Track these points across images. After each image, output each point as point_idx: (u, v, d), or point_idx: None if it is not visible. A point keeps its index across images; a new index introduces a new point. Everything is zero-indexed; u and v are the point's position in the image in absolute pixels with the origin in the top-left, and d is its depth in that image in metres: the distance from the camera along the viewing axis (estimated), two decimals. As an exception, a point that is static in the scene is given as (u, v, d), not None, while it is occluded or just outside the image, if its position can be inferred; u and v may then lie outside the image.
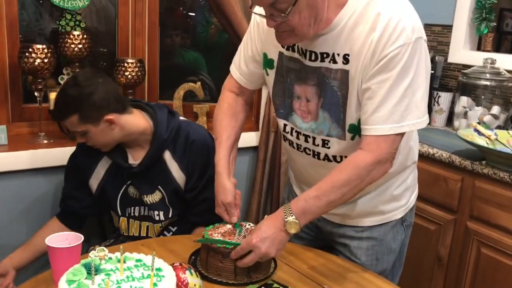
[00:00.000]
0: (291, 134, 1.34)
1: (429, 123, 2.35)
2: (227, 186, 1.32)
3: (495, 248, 1.76)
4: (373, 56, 1.11)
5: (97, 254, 1.08)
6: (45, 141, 1.88)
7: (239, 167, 1.93)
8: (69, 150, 1.81)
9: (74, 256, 1.14)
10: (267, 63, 1.33)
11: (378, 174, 1.18)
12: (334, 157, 1.28)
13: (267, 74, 1.35)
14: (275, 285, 1.21)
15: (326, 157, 1.29)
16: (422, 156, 1.95)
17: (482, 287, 1.82)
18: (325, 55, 1.18)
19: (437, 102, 2.35)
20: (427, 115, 1.19)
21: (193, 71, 2.47)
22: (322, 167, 1.31)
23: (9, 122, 1.93)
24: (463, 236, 1.87)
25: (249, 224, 1.32)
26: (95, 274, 1.00)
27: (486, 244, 1.80)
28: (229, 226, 1.31)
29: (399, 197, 1.40)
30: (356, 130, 1.22)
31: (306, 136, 1.30)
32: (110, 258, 1.08)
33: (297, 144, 1.35)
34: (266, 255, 1.16)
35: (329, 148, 1.27)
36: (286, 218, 1.15)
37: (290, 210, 1.16)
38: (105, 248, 1.10)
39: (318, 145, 1.29)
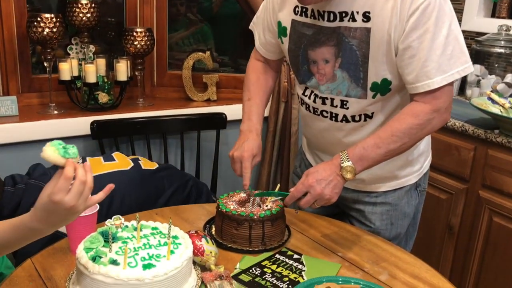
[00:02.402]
0: (309, 98, 1.33)
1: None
2: (255, 144, 1.33)
3: (507, 216, 1.76)
4: (402, 12, 1.10)
5: (113, 222, 1.09)
6: (56, 112, 1.88)
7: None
8: (80, 121, 1.81)
9: (90, 224, 1.15)
10: (281, 31, 1.32)
11: (438, 123, 1.18)
12: (353, 117, 1.28)
13: (282, 43, 1.34)
14: (289, 252, 1.22)
15: (344, 118, 1.29)
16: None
17: (493, 256, 1.83)
18: (343, 14, 1.17)
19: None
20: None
21: (202, 41, 2.43)
22: (339, 129, 1.31)
23: (19, 93, 1.93)
24: (474, 205, 1.87)
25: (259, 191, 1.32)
26: (112, 242, 1.01)
27: (498, 213, 1.79)
28: (243, 194, 1.31)
29: (413, 162, 1.39)
30: (379, 88, 1.21)
31: (324, 99, 1.29)
32: (126, 226, 1.08)
33: (314, 108, 1.34)
34: (321, 196, 1.14)
35: (347, 108, 1.27)
36: (343, 163, 1.15)
37: (347, 156, 1.16)
38: (121, 217, 1.11)
39: (336, 106, 1.28)
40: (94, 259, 0.94)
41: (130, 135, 1.89)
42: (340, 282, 1.05)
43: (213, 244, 1.11)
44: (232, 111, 2.04)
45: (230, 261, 1.17)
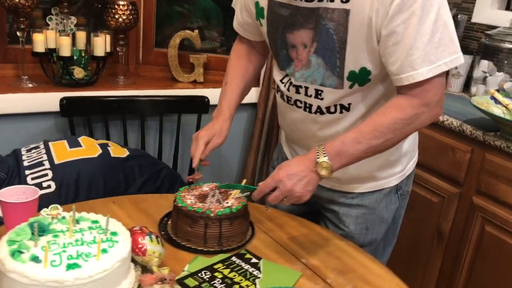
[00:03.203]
0: (285, 85, 1.22)
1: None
2: (216, 126, 1.28)
3: (501, 226, 1.63)
4: None
5: (49, 212, 0.99)
6: (29, 85, 1.78)
7: (236, 124, 1.82)
8: (51, 96, 1.71)
9: (28, 212, 1.05)
10: (259, 12, 1.20)
11: (428, 118, 1.06)
12: (328, 108, 1.16)
13: (261, 25, 1.23)
14: (247, 255, 1.11)
15: (319, 110, 1.18)
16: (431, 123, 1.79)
17: (483, 266, 1.70)
18: None
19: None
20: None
21: (192, 18, 2.31)
22: (313, 122, 1.20)
23: (-7, 63, 1.83)
24: (467, 211, 1.74)
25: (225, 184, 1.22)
26: (41, 235, 0.91)
27: (491, 222, 1.66)
28: (206, 188, 1.21)
29: (395, 163, 1.27)
30: (356, 78, 1.09)
31: (298, 87, 1.18)
32: (64, 218, 0.98)
33: (288, 97, 1.23)
34: (291, 193, 1.04)
35: (322, 99, 1.15)
36: (319, 158, 1.04)
37: (323, 151, 1.05)
38: (59, 206, 1.01)
39: (310, 96, 1.17)
40: (13, 254, 0.85)
41: (105, 114, 1.78)
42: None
43: (158, 243, 1.00)
44: (217, 95, 1.92)
45: (180, 262, 1.07)
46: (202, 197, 1.17)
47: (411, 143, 1.31)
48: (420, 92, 1.03)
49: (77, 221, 0.98)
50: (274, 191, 1.06)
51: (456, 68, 2.15)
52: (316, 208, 1.40)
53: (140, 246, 0.97)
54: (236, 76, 1.37)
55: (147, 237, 0.99)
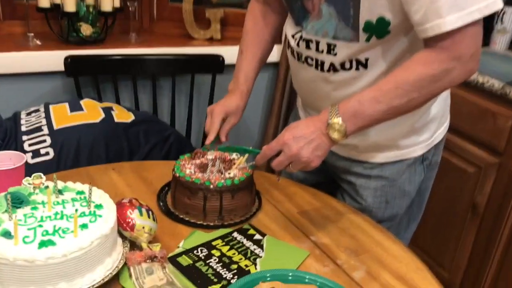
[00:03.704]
0: (295, 40, 1.08)
1: (487, 45, 1.96)
2: (232, 103, 1.15)
3: (543, 201, 1.47)
4: None
5: (32, 181, 0.91)
6: (37, 43, 1.69)
7: (255, 86, 1.69)
8: (57, 55, 1.62)
9: (13, 180, 0.97)
10: None
11: (460, 75, 0.90)
12: (342, 64, 1.02)
13: None
14: (251, 230, 1.01)
15: (332, 67, 1.04)
16: (468, 85, 1.61)
17: (520, 244, 1.55)
18: None
19: (500, 20, 1.93)
20: None
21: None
22: (326, 81, 1.07)
23: (1, 20, 1.75)
24: (506, 184, 1.57)
25: (236, 155, 1.10)
26: (18, 207, 0.83)
27: (532, 196, 1.50)
28: (210, 156, 1.10)
29: (421, 130, 1.13)
30: (373, 29, 0.94)
31: (308, 41, 1.04)
32: (47, 187, 0.90)
33: (298, 53, 1.09)
34: (297, 157, 0.92)
35: (335, 55, 1.01)
36: (331, 119, 0.92)
37: (336, 111, 0.92)
38: (42, 175, 0.92)
39: (322, 52, 1.03)
40: (-16, 228, 0.77)
41: (113, 74, 1.68)
42: (290, 278, 0.84)
43: (149, 217, 0.91)
44: (235, 53, 1.78)
45: (176, 237, 0.98)
46: (203, 167, 1.06)
47: (441, 107, 1.15)
48: (450, 44, 0.87)
49: (61, 192, 0.90)
50: (279, 155, 0.95)
51: (502, 23, 1.92)
52: (333, 178, 1.28)
53: (128, 220, 0.89)
54: (252, 43, 1.23)
55: (136, 211, 0.90)
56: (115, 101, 1.69)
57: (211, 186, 0.99)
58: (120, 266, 0.84)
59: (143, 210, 0.91)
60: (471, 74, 0.91)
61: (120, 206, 0.90)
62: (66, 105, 1.43)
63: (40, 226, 0.80)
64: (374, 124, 0.94)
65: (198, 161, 1.09)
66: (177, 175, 1.02)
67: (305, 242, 1.00)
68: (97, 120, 1.39)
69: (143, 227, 0.89)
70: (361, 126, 0.93)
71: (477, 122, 1.63)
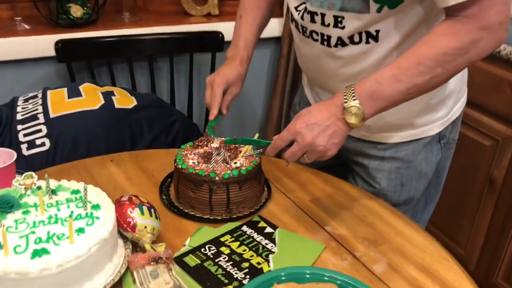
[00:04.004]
0: (299, 13, 0.99)
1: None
2: (233, 72, 1.08)
3: None
4: None
5: (23, 181, 0.84)
6: (25, 27, 1.60)
7: (257, 62, 1.60)
8: (47, 39, 1.53)
9: (3, 180, 0.90)
10: None
11: (489, 46, 0.81)
12: (351, 37, 0.94)
13: None
14: (261, 223, 0.95)
15: (340, 41, 0.95)
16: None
17: (541, 219, 1.49)
18: None
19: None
20: None
21: None
22: (333, 57, 0.98)
23: (-14, 3, 1.65)
24: (525, 157, 1.50)
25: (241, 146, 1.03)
26: (9, 212, 0.77)
27: (554, 169, 1.43)
28: (215, 145, 1.02)
29: (437, 107, 1.05)
30: None
31: (313, 14, 0.95)
32: (39, 188, 0.83)
33: (302, 27, 1.01)
34: (312, 147, 0.85)
35: (343, 28, 0.93)
36: (346, 102, 0.83)
37: (352, 93, 0.84)
38: (33, 174, 0.85)
39: (328, 26, 0.94)
40: (-30, 238, 0.71)
41: (108, 57, 1.60)
42: (307, 277, 0.77)
43: (151, 216, 0.84)
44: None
45: (182, 233, 0.91)
46: (208, 156, 0.99)
47: (458, 81, 1.07)
48: (476, 13, 0.78)
49: (54, 192, 0.83)
50: (292, 146, 0.87)
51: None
52: (344, 160, 1.21)
53: (128, 220, 0.82)
54: (252, 8, 1.16)
55: (136, 209, 0.83)
56: (112, 85, 1.61)
57: (217, 178, 0.92)
58: (122, 271, 0.77)
59: (144, 208, 0.84)
60: (500, 44, 0.82)
61: (119, 205, 0.83)
62: (65, 90, 1.34)
63: (33, 232, 0.73)
64: (394, 105, 0.86)
65: (201, 150, 1.01)
66: (180, 166, 0.95)
67: (320, 234, 0.93)
68: (96, 107, 1.30)
69: (145, 227, 0.82)
70: (380, 108, 0.85)
71: (492, 92, 1.55)
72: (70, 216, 0.76)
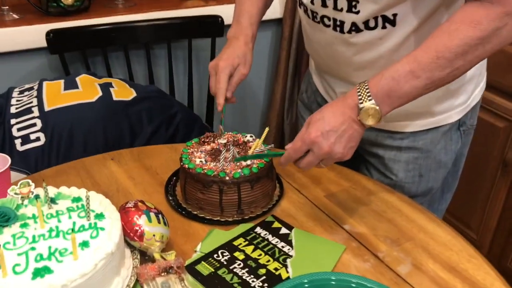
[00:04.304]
0: None
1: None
2: (238, 52, 0.99)
3: None
4: None
5: (18, 190, 0.78)
6: (14, 17, 1.51)
7: (257, 45, 1.52)
8: (37, 29, 1.45)
9: (1, 186, 0.84)
10: None
11: (511, 34, 0.75)
12: (366, 23, 0.87)
13: None
14: (275, 223, 0.89)
15: (354, 27, 0.89)
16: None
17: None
18: None
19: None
20: None
21: None
22: (347, 44, 0.92)
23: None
24: (540, 138, 1.45)
25: (251, 137, 0.97)
26: (5, 226, 0.71)
27: None
28: (222, 141, 0.96)
29: (458, 92, 0.99)
30: None
31: None
32: (37, 197, 0.77)
33: (313, 12, 0.94)
34: (330, 155, 0.79)
35: (357, 12, 0.86)
36: (362, 102, 0.77)
37: (367, 91, 0.77)
38: (30, 182, 0.79)
39: (341, 10, 0.88)
40: (-36, 259, 0.65)
41: (103, 47, 1.52)
42: (333, 284, 0.72)
43: (159, 222, 0.78)
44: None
45: (191, 238, 0.85)
46: (215, 153, 0.93)
47: (479, 65, 1.00)
48: None
49: (53, 201, 0.77)
50: (307, 155, 0.81)
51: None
52: (356, 150, 1.15)
53: (135, 229, 0.76)
54: None
55: (143, 217, 0.77)
56: (108, 76, 1.53)
57: (227, 178, 0.86)
58: (131, 285, 0.72)
59: (152, 214, 0.78)
60: None
61: (124, 212, 0.77)
62: (62, 82, 1.27)
63: (33, 249, 0.67)
64: (411, 100, 0.80)
65: (208, 147, 0.95)
66: (187, 166, 0.89)
67: (338, 233, 0.88)
68: (93, 99, 1.23)
69: (154, 235, 0.76)
70: (398, 105, 0.79)
71: (506, 72, 1.48)
72: (73, 229, 0.70)
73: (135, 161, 1.07)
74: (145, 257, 0.78)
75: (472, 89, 1.02)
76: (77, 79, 1.31)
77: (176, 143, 1.29)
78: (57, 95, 1.24)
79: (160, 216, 0.79)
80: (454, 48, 0.74)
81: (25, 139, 1.16)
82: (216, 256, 0.81)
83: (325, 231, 0.88)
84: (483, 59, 0.82)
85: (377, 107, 0.77)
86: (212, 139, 0.97)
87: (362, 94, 0.77)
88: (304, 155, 0.81)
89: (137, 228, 0.76)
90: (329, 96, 1.09)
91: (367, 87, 0.78)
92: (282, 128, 2.01)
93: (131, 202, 0.80)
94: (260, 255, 0.81)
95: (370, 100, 0.77)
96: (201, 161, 0.90)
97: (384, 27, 0.87)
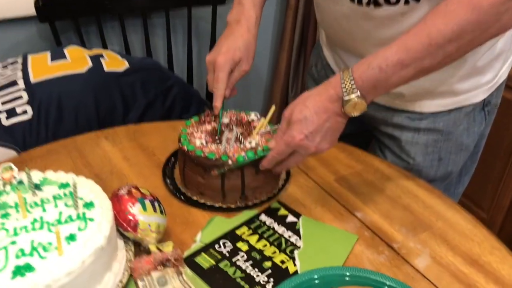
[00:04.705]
0: None
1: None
2: (240, 43, 0.87)
3: None
4: None
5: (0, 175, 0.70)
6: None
7: (262, 14, 1.42)
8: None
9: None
10: None
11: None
12: None
13: None
14: (281, 210, 0.82)
15: (373, 1, 0.79)
16: None
17: None
18: None
19: None
20: None
21: None
22: (366, 17, 0.83)
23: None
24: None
25: (255, 115, 0.89)
26: (-16, 216, 0.64)
27: None
28: (225, 120, 0.88)
29: (484, 70, 0.90)
30: None
31: None
32: (21, 183, 0.70)
33: None
34: (317, 152, 0.75)
35: None
36: (346, 95, 0.71)
37: (352, 83, 0.71)
38: (12, 166, 0.71)
39: None
40: None
41: (96, 15, 1.42)
42: (347, 280, 0.66)
43: (155, 211, 0.71)
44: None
45: (192, 225, 0.79)
46: (217, 134, 0.85)
47: (508, 38, 0.91)
48: None
49: (38, 187, 0.70)
50: (293, 156, 0.77)
51: None
52: (367, 127, 1.07)
53: (129, 218, 0.69)
54: None
55: (137, 205, 0.70)
56: (102, 47, 1.45)
57: (230, 162, 0.78)
58: (124, 281, 0.65)
59: (147, 202, 0.71)
60: None
61: (116, 199, 0.70)
62: (48, 54, 1.19)
63: (13, 243, 0.60)
64: (395, 87, 0.73)
65: (209, 127, 0.87)
66: (186, 148, 0.81)
67: (350, 221, 0.81)
68: (83, 70, 1.15)
69: (149, 225, 0.70)
70: (381, 94, 0.73)
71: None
72: (59, 221, 0.63)
73: (130, 140, 1.00)
74: (140, 248, 0.72)
75: (500, 65, 0.93)
76: (65, 50, 1.23)
77: (173, 118, 1.22)
78: (43, 67, 1.16)
79: (156, 203, 0.72)
80: (449, 33, 0.66)
81: (11, 113, 1.08)
82: (218, 247, 0.74)
83: (335, 218, 0.81)
84: (480, 45, 0.72)
85: (363, 100, 0.71)
86: (214, 118, 0.89)
87: (346, 87, 0.71)
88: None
89: (131, 217, 0.69)
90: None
91: (351, 78, 0.71)
92: (287, 101, 1.93)
93: (124, 188, 0.72)
94: (265, 245, 0.75)
95: (355, 92, 0.70)
96: (201, 143, 0.82)
97: (407, 2, 0.78)
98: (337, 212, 0.83)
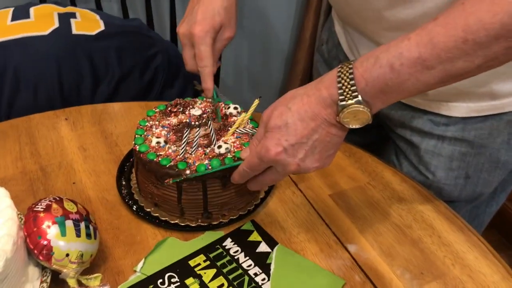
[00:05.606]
0: None
1: None
2: (216, 6, 0.70)
3: None
4: None
5: None
6: None
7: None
8: None
9: None
10: None
11: None
12: None
13: None
14: (253, 235, 0.65)
15: None
16: None
17: None
18: None
19: None
20: None
21: None
22: None
23: None
24: None
25: (235, 108, 0.71)
26: None
27: None
28: (196, 112, 0.70)
29: None
30: None
31: None
32: None
33: None
34: (301, 171, 0.57)
35: None
36: (344, 100, 0.51)
37: (351, 83, 0.51)
38: None
39: None
40: None
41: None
42: None
43: (78, 235, 0.55)
44: None
45: (138, 247, 0.63)
46: (183, 130, 0.67)
47: None
48: None
49: None
50: (269, 171, 0.59)
51: None
52: (386, 133, 0.87)
53: (42, 244, 0.54)
54: None
55: (55, 227, 0.54)
56: (95, 6, 1.27)
57: (188, 172, 0.61)
58: (24, 330, 0.51)
59: (69, 223, 0.55)
60: None
61: (32, 217, 0.55)
62: (10, 11, 1.01)
63: None
64: (412, 96, 0.54)
65: (174, 120, 0.69)
66: (137, 148, 0.64)
67: (339, 257, 0.63)
68: (46, 32, 0.97)
69: (67, 254, 0.54)
70: (394, 101, 0.52)
71: None
72: None
73: (93, 124, 0.84)
74: (59, 279, 0.57)
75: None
76: (33, 8, 1.04)
77: (153, 94, 1.05)
78: (2, 27, 0.99)
79: (82, 224, 0.57)
80: (496, 27, 0.44)
81: None
82: (161, 283, 0.58)
83: (320, 252, 0.63)
84: None
85: (366, 109, 0.50)
86: (182, 108, 0.71)
87: (344, 88, 0.50)
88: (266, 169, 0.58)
89: (45, 242, 0.54)
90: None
91: (352, 77, 0.50)
92: (311, 72, 1.72)
93: (44, 201, 0.57)
94: (222, 285, 0.58)
95: (355, 96, 0.50)
96: (157, 143, 0.65)
97: None
98: (325, 243, 0.65)
